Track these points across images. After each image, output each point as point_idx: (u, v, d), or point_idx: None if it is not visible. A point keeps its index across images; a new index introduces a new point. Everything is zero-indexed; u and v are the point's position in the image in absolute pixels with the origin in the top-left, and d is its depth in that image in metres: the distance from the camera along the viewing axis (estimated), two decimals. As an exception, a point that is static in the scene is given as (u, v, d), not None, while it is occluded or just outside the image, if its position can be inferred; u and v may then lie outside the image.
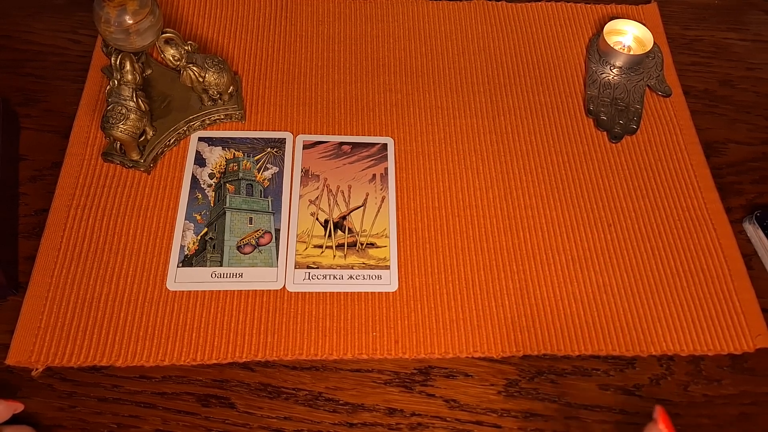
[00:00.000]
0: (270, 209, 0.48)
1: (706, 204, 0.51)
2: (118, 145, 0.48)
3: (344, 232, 0.47)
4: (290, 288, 0.45)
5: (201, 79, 0.48)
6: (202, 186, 0.49)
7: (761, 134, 0.56)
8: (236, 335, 0.43)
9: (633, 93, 0.56)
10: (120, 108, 0.45)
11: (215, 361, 0.42)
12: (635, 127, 0.54)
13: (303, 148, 0.51)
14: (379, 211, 0.48)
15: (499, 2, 0.62)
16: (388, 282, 0.45)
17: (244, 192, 0.49)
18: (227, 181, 0.49)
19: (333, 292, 0.45)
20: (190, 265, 0.45)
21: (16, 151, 0.50)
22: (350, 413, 0.41)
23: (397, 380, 0.43)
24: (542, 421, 0.42)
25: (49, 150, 0.50)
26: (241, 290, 0.45)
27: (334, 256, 0.46)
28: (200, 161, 0.50)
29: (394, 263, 0.46)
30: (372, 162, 0.51)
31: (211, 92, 0.50)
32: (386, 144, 0.52)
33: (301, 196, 0.49)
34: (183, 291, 0.44)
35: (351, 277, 0.45)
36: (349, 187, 0.49)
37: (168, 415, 0.41)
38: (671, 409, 0.43)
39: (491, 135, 0.53)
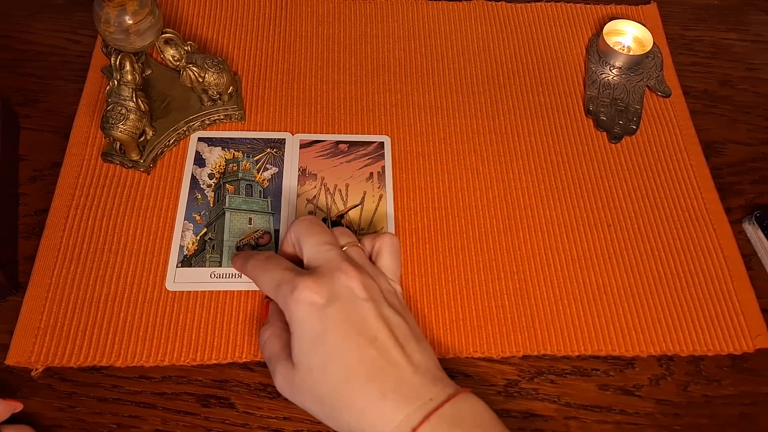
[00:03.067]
0: (269, 210, 0.48)
1: (705, 204, 0.51)
2: (118, 145, 0.48)
3: (344, 232, 0.47)
4: (290, 288, 0.45)
5: (201, 79, 0.48)
6: (202, 186, 0.49)
7: (761, 134, 0.56)
8: (236, 335, 0.43)
9: (633, 93, 0.56)
10: (120, 108, 0.45)
11: (215, 361, 0.42)
12: (635, 127, 0.54)
13: (300, 147, 0.51)
14: (376, 209, 0.48)
15: (499, 2, 0.62)
16: (387, 282, 0.45)
17: (244, 192, 0.49)
18: (227, 182, 0.49)
19: (333, 292, 0.45)
20: (190, 265, 0.45)
21: (16, 151, 0.50)
22: (350, 413, 0.41)
23: (396, 380, 0.43)
24: (542, 422, 0.42)
25: (49, 150, 0.50)
26: (240, 290, 0.45)
27: (334, 256, 0.46)
28: (200, 161, 0.50)
29: (393, 263, 0.46)
30: (369, 160, 0.51)
31: (210, 92, 0.50)
32: (383, 142, 0.52)
33: (298, 195, 0.49)
34: (182, 291, 0.44)
35: (351, 277, 0.45)
36: (347, 185, 0.49)
37: (168, 415, 0.41)
38: (671, 410, 0.43)
39: (491, 135, 0.53)
